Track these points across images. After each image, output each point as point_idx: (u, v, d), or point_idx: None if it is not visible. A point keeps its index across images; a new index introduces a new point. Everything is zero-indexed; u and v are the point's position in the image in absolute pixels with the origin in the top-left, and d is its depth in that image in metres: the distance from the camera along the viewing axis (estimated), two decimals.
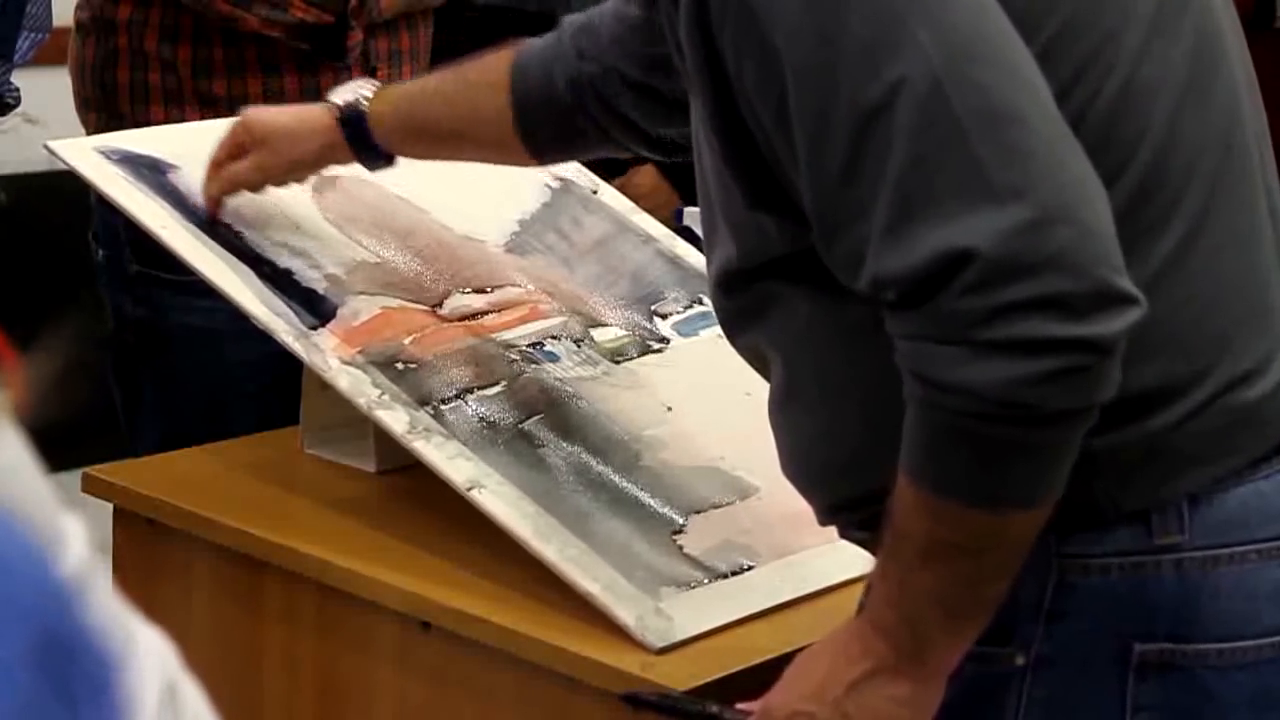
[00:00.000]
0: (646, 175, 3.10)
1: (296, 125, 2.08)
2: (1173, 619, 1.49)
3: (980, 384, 1.36)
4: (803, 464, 1.62)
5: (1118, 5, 1.47)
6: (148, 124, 2.54)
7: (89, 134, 2.59)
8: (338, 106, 2.04)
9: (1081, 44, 1.45)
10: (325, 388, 2.00)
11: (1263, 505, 1.52)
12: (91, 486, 2.07)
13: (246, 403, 2.49)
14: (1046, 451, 1.40)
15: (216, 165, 2.10)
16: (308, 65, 2.60)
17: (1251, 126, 1.56)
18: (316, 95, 2.61)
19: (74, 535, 0.79)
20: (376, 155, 2.04)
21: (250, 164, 2.08)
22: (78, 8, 2.68)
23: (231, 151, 2.09)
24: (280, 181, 2.11)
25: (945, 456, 1.41)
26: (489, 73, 2.00)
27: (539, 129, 1.95)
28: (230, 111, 2.57)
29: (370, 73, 2.66)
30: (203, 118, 2.54)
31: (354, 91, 2.06)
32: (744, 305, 1.59)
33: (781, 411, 1.61)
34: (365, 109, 2.02)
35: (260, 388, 2.47)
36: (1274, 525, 1.52)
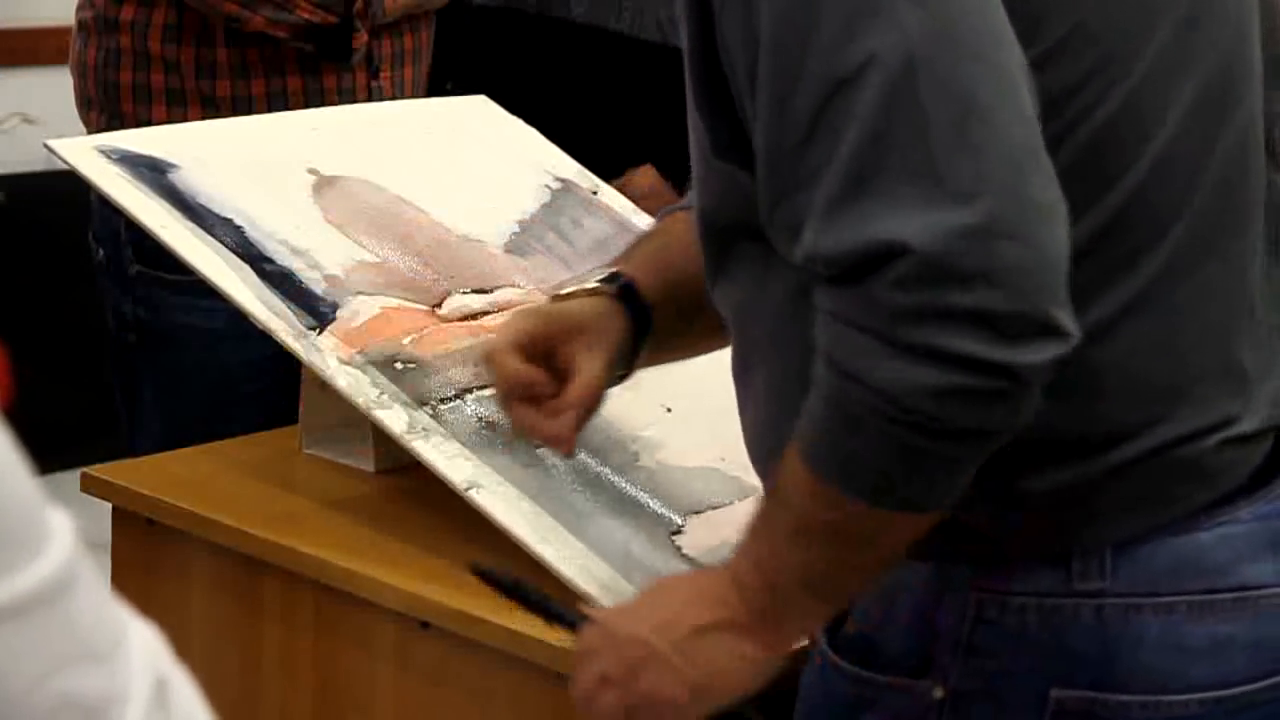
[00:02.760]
0: (646, 176, 3.10)
1: (590, 310, 1.72)
2: (1094, 667, 1.44)
3: (888, 383, 1.30)
4: (752, 441, 1.57)
5: (1134, 24, 1.42)
6: (149, 124, 2.55)
7: (90, 134, 2.59)
8: (608, 286, 1.72)
9: (1085, 59, 1.40)
10: (324, 387, 2.00)
11: (1198, 557, 1.45)
12: (90, 486, 2.07)
13: (247, 403, 2.50)
14: (944, 464, 1.34)
15: (526, 382, 1.69)
16: (311, 66, 2.60)
17: (1261, 180, 1.50)
18: (320, 97, 2.62)
19: (61, 530, 0.79)
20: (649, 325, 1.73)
21: (592, 355, 1.70)
22: (79, 8, 2.69)
23: (532, 351, 1.70)
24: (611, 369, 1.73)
25: (838, 443, 1.35)
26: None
27: None
28: (233, 112, 2.58)
29: (373, 74, 2.67)
30: (204, 117, 2.55)
31: (581, 279, 1.78)
32: (713, 256, 1.53)
33: (739, 381, 1.56)
34: (628, 279, 1.72)
35: (261, 388, 2.47)
36: (1209, 578, 1.45)
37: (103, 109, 2.63)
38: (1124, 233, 1.42)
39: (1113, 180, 1.41)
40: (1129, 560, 1.44)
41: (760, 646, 1.45)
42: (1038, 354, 1.29)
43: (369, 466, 2.08)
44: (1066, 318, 1.31)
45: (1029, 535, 1.44)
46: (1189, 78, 1.44)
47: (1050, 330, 1.30)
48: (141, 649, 0.82)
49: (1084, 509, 1.44)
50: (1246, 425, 1.47)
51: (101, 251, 2.67)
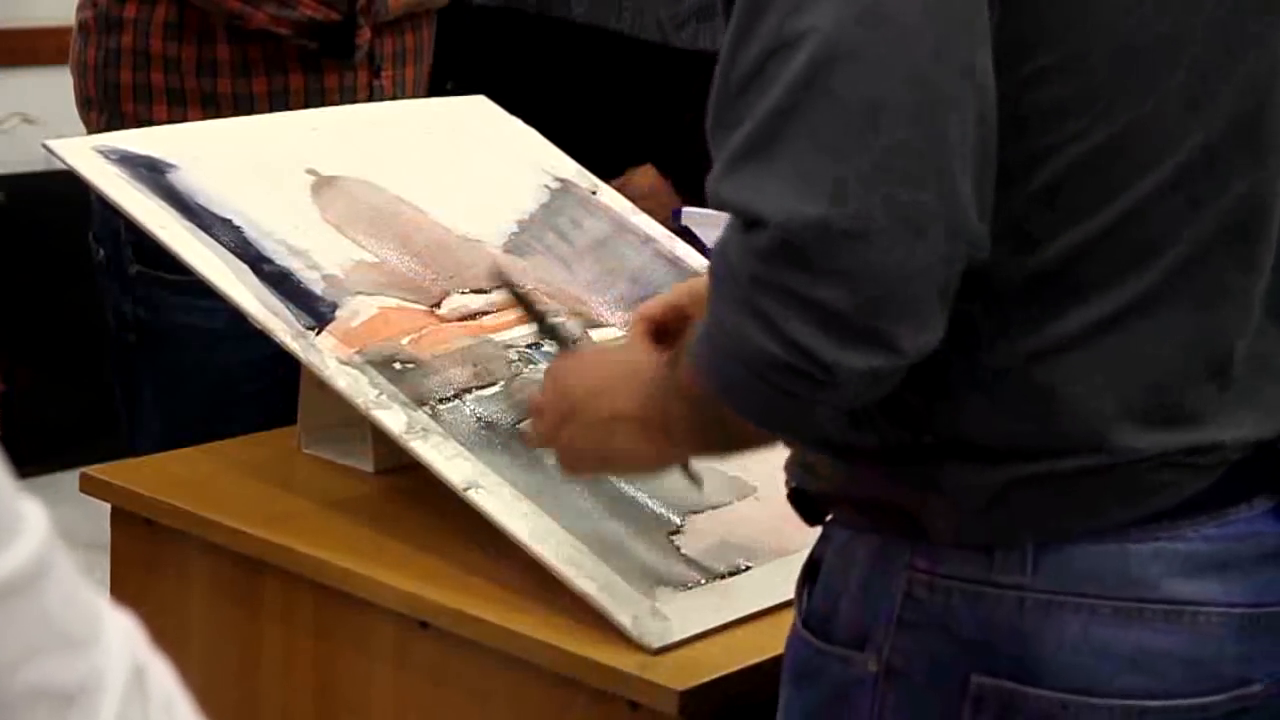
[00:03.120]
0: (646, 175, 3.10)
1: None
2: (1014, 658, 1.44)
3: (732, 329, 1.37)
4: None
5: (1144, 63, 1.41)
6: (150, 123, 2.55)
7: (90, 134, 2.59)
8: None
9: (1079, 82, 1.40)
10: (323, 388, 2.00)
11: (1124, 567, 1.44)
12: (89, 486, 2.07)
13: (247, 403, 2.50)
14: (770, 410, 1.41)
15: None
16: (313, 65, 2.60)
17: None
18: (321, 95, 2.62)
19: (33, 519, 0.79)
20: None
21: None
22: (79, 8, 2.69)
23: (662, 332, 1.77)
24: None
25: (701, 339, 1.43)
26: None
27: None
28: (234, 110, 2.57)
29: (375, 72, 2.67)
30: (205, 116, 2.55)
31: None
32: None
33: None
34: None
35: (261, 388, 2.47)
36: (1135, 588, 1.44)
37: (103, 109, 2.63)
38: (1087, 262, 1.42)
39: (1086, 213, 1.41)
40: (1052, 558, 1.44)
41: (654, 452, 1.60)
42: (860, 360, 1.34)
43: (368, 466, 2.08)
44: (906, 334, 1.34)
45: (954, 523, 1.46)
46: (1198, 128, 1.43)
47: (880, 341, 1.33)
48: (119, 638, 0.82)
49: (1009, 509, 1.45)
50: (1198, 451, 1.46)
51: (101, 251, 2.67)
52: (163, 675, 0.84)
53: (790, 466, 1.58)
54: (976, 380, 1.43)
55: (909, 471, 1.45)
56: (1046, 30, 1.39)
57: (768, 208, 1.33)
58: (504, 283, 1.98)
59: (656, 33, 3.06)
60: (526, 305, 1.93)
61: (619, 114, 3.08)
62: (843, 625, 1.51)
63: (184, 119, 2.55)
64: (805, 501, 1.58)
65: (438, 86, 2.91)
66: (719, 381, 1.41)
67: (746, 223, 1.35)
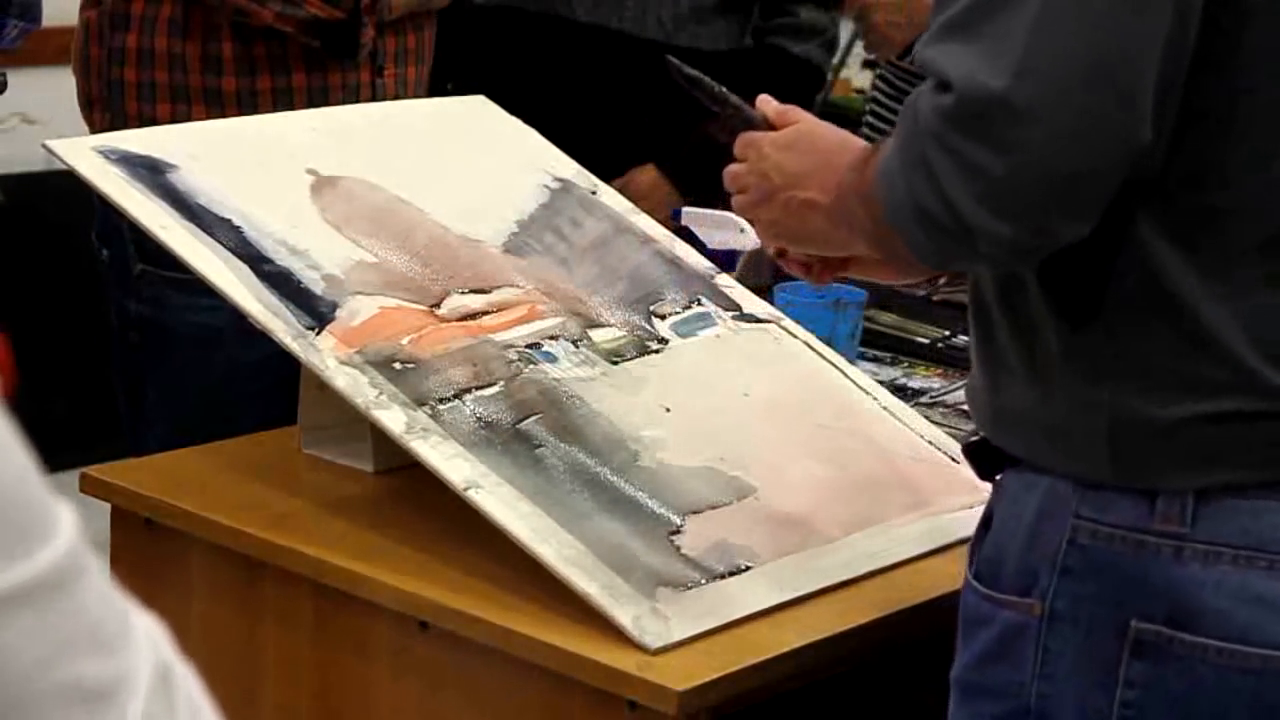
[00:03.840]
0: (646, 175, 3.10)
1: None
2: (1172, 605, 1.52)
3: (904, 164, 1.51)
4: (973, 403, 1.72)
5: None
6: (154, 122, 2.55)
7: (93, 133, 2.59)
8: None
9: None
10: (323, 388, 2.00)
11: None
12: (89, 486, 2.07)
13: (251, 401, 2.50)
14: (918, 249, 1.54)
15: None
16: (316, 63, 2.60)
17: None
18: (324, 93, 2.62)
19: (65, 521, 0.80)
20: None
21: None
22: (83, 7, 2.69)
23: None
24: None
25: (885, 162, 1.55)
26: None
27: None
28: (238, 108, 2.58)
29: (378, 71, 2.67)
30: (209, 114, 2.55)
31: None
32: None
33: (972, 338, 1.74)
34: None
35: (265, 386, 2.47)
36: None
37: (106, 107, 2.63)
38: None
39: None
40: (1211, 510, 1.52)
41: (843, 239, 1.71)
42: (1001, 229, 1.47)
43: (368, 466, 2.08)
44: (1053, 219, 1.47)
45: (1121, 464, 1.54)
46: None
47: (1025, 218, 1.47)
48: (146, 638, 0.82)
49: (1175, 450, 1.52)
50: None
51: (105, 250, 2.67)
52: (187, 676, 0.84)
53: (979, 408, 1.66)
54: (1159, 307, 1.52)
55: (1091, 394, 1.54)
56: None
57: (955, 73, 1.46)
58: (686, 77, 2.00)
59: (659, 31, 3.06)
60: (712, 94, 1.95)
61: (620, 113, 3.08)
62: (1010, 573, 1.59)
63: (188, 116, 2.55)
64: (984, 454, 1.66)
65: (438, 86, 2.91)
66: (889, 209, 1.54)
67: (938, 84, 1.48)
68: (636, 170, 3.09)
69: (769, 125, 1.80)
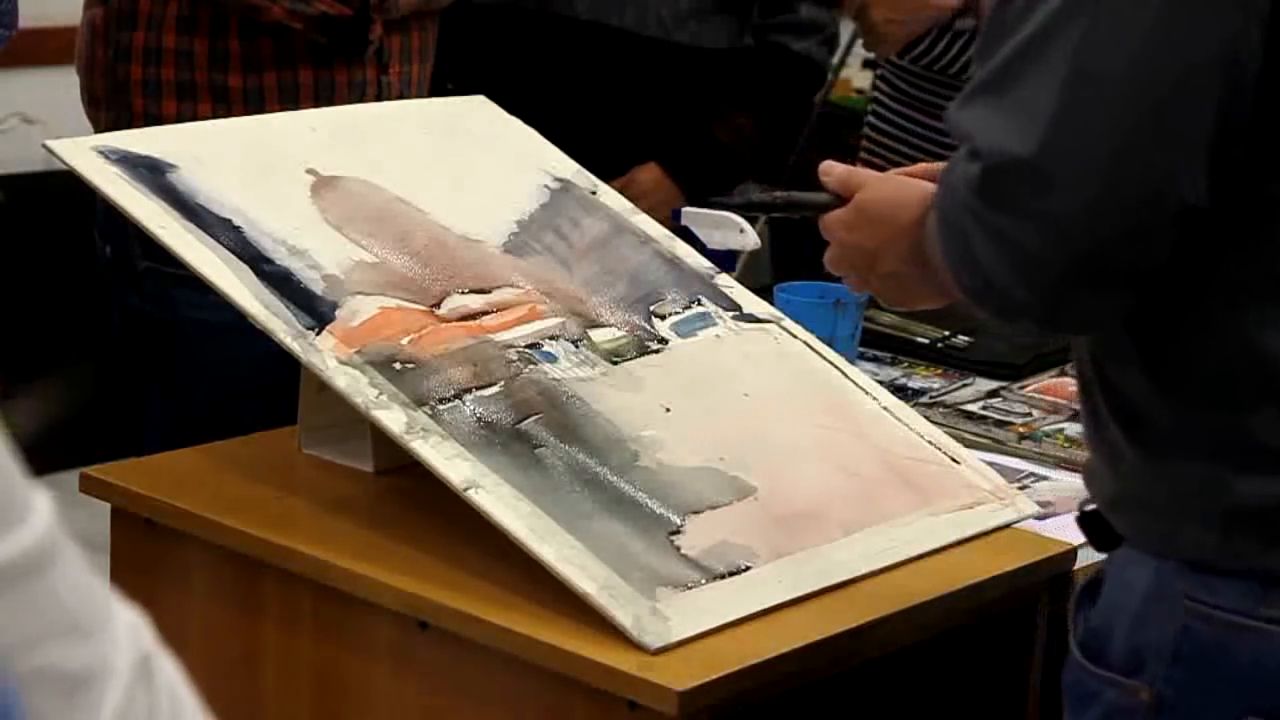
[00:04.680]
0: (648, 173, 3.10)
1: None
2: None
3: (940, 229, 1.53)
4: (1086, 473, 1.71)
5: None
6: (159, 119, 2.55)
7: (97, 131, 2.60)
8: None
9: None
10: (323, 387, 2.00)
11: None
12: (89, 486, 2.07)
13: (255, 399, 2.50)
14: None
15: None
16: (323, 60, 2.61)
17: None
18: (330, 90, 2.63)
19: (41, 508, 0.80)
20: None
21: None
22: (86, 6, 2.69)
23: None
24: None
25: (937, 221, 1.56)
26: None
27: None
28: (244, 104, 2.58)
29: (383, 68, 2.67)
30: (215, 111, 2.55)
31: None
32: None
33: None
34: None
35: (269, 384, 2.47)
36: None
37: (111, 106, 2.63)
38: None
39: None
40: None
41: (940, 291, 1.71)
42: (1047, 299, 1.46)
43: (368, 466, 2.08)
44: (1082, 287, 1.44)
45: (1228, 549, 1.48)
46: None
47: (1059, 286, 1.44)
48: (126, 629, 0.82)
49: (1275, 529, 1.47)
50: None
51: (108, 247, 2.67)
52: (168, 668, 0.84)
53: (1093, 481, 1.61)
54: (1260, 379, 1.46)
55: (1197, 473, 1.49)
56: None
57: (982, 140, 1.46)
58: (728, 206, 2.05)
59: (659, 29, 3.06)
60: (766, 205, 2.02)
61: (621, 111, 3.08)
62: (1117, 651, 1.54)
63: (194, 113, 2.55)
64: (1098, 525, 1.61)
65: (438, 86, 2.91)
66: (943, 260, 1.55)
67: (970, 151, 1.47)
68: (638, 168, 3.09)
69: (836, 195, 1.81)
